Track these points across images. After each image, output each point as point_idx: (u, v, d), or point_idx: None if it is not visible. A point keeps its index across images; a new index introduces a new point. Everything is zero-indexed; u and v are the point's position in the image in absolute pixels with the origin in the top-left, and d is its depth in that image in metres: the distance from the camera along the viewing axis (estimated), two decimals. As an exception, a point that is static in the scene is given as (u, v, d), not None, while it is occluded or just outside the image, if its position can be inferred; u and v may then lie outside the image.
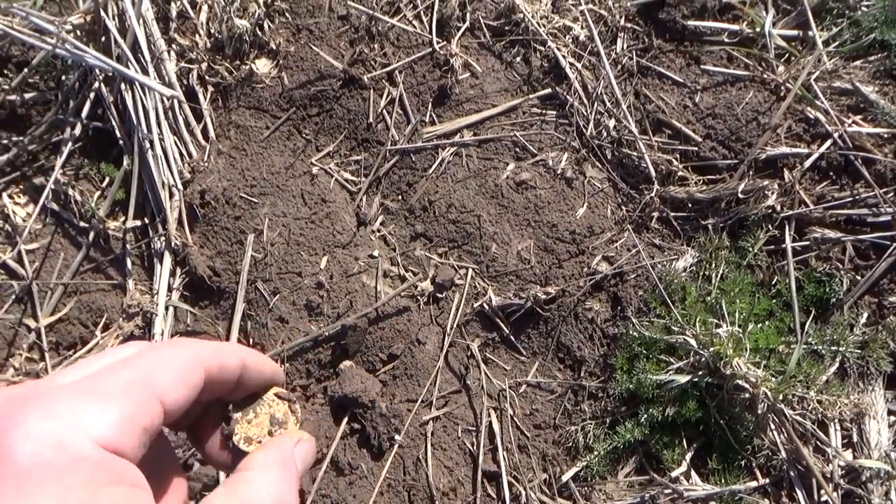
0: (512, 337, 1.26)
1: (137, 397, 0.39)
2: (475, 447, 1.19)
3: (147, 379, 0.41)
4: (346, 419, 1.22)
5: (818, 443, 1.12)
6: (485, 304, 1.26)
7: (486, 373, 1.24)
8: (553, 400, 1.22)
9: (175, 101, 1.36)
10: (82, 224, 1.36)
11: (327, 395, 1.23)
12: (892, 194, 1.22)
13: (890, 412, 1.14)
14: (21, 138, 1.39)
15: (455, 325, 1.26)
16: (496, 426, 1.20)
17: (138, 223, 1.35)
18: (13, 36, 1.31)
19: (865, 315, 1.19)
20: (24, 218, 1.36)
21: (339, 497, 1.16)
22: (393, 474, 1.18)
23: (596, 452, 1.15)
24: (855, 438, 1.12)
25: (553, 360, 1.24)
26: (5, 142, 1.38)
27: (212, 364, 0.46)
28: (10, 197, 1.37)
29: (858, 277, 1.20)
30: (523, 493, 1.14)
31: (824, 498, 1.09)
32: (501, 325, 1.26)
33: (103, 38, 1.37)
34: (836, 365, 1.15)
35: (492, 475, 1.17)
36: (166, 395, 0.42)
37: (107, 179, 1.38)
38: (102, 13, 1.34)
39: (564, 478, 1.15)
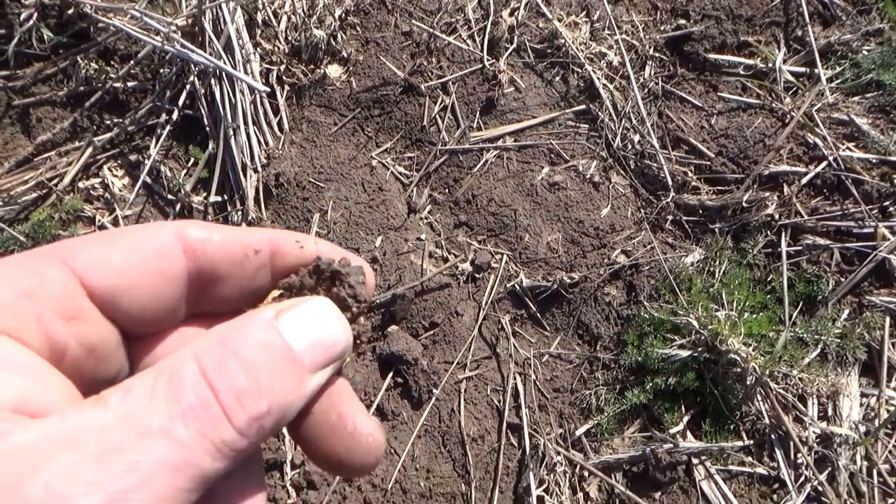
0: (538, 314, 1.62)
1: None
2: (501, 404, 1.55)
3: (54, 252, 0.37)
4: (391, 374, 1.58)
5: (797, 413, 1.46)
6: (516, 285, 1.63)
7: (514, 343, 1.60)
8: (571, 369, 1.58)
9: (257, 96, 1.76)
10: (170, 197, 1.76)
11: (376, 353, 1.59)
12: (876, 211, 1.59)
13: (862, 394, 1.49)
14: (121, 120, 1.80)
15: (489, 302, 1.63)
16: (520, 388, 1.56)
17: (219, 199, 1.74)
18: (127, 32, 1.74)
19: (847, 311, 1.54)
20: (121, 189, 1.76)
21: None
22: (430, 422, 1.54)
23: (606, 413, 1.50)
24: (830, 412, 1.47)
25: (573, 335, 1.60)
26: (108, 122, 1.79)
27: (201, 237, 0.41)
28: (110, 170, 1.78)
29: (843, 279, 1.56)
30: (541, 443, 1.49)
31: (800, 459, 1.43)
32: (529, 303, 1.63)
33: (200, 39, 1.79)
34: (818, 351, 1.50)
35: (515, 427, 1.53)
36: (87, 270, 0.37)
37: (192, 160, 1.78)
38: (202, 18, 1.76)
39: (577, 433, 1.50)
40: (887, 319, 1.52)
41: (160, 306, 0.41)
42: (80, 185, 1.75)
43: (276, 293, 0.44)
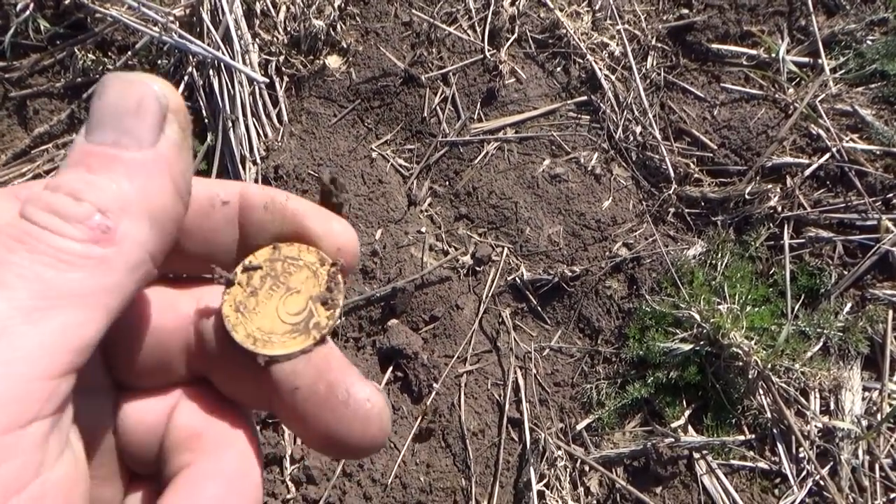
0: (539, 307, 1.61)
1: None
2: (502, 398, 1.54)
3: None
4: (391, 368, 1.57)
5: (799, 407, 1.45)
6: (517, 278, 1.61)
7: (514, 337, 1.59)
8: (572, 363, 1.56)
9: (256, 87, 1.74)
10: (168, 189, 1.74)
11: (375, 347, 1.58)
12: (879, 203, 1.57)
13: (865, 388, 1.47)
14: (119, 112, 1.78)
15: (490, 295, 1.61)
16: (521, 382, 1.54)
17: (218, 191, 1.73)
18: (124, 22, 1.71)
19: (849, 305, 1.53)
20: (119, 180, 1.75)
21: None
22: (430, 416, 1.53)
23: (607, 407, 1.49)
24: (832, 406, 1.46)
25: (574, 329, 1.59)
26: (105, 114, 1.77)
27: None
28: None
29: (845, 272, 1.54)
30: (542, 437, 1.48)
31: (802, 454, 1.42)
32: (530, 296, 1.61)
33: (198, 29, 1.76)
34: (820, 345, 1.49)
35: (515, 422, 1.52)
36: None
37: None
38: (200, 8, 1.74)
39: (578, 427, 1.49)
40: (890, 313, 1.51)
41: None
42: (78, 177, 1.73)
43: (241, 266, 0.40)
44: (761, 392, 1.46)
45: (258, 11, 1.82)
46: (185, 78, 1.76)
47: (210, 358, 0.39)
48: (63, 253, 0.30)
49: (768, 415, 1.45)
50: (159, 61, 1.80)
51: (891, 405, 1.46)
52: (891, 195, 1.58)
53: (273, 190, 0.40)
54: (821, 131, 1.64)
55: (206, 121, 1.76)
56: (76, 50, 1.77)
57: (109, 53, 1.81)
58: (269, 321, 0.39)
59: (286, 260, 0.40)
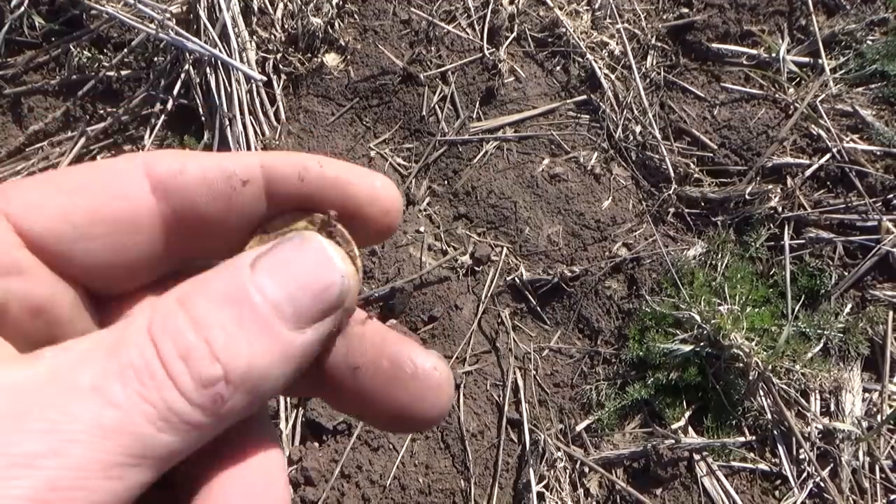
0: (538, 308, 1.59)
1: None
2: (501, 399, 1.52)
3: None
4: (389, 368, 1.55)
5: (800, 408, 1.44)
6: (516, 279, 1.60)
7: (513, 337, 1.57)
8: (571, 363, 1.55)
9: (253, 86, 1.72)
10: (165, 187, 1.72)
11: (374, 347, 1.57)
12: (879, 203, 1.56)
13: (865, 389, 1.47)
14: (115, 110, 1.76)
15: (489, 295, 1.60)
16: (520, 382, 1.53)
17: (215, 189, 1.71)
18: (120, 19, 1.69)
19: (850, 306, 1.52)
20: (115, 179, 1.72)
21: (380, 432, 1.49)
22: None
23: (607, 408, 1.48)
24: (832, 407, 1.45)
25: (573, 329, 1.58)
26: (101, 112, 1.75)
27: (173, 170, 0.33)
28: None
29: (846, 273, 1.53)
30: (541, 438, 1.46)
31: (802, 455, 1.41)
32: (530, 297, 1.60)
33: (195, 26, 1.74)
34: (821, 346, 1.48)
35: (514, 422, 1.50)
36: (23, 216, 0.31)
37: (188, 150, 1.74)
38: (197, 5, 1.71)
39: (578, 428, 1.48)
40: (890, 314, 1.50)
41: (125, 258, 0.34)
42: (74, 175, 1.71)
43: (256, 238, 0.36)
44: (762, 393, 1.45)
45: (255, 9, 1.80)
46: (182, 76, 1.74)
47: None
48: (172, 413, 0.28)
49: (769, 416, 1.44)
50: (155, 59, 1.78)
51: (891, 406, 1.46)
52: (891, 196, 1.57)
53: (299, 156, 0.36)
54: (821, 132, 1.63)
55: (203, 119, 1.74)
56: (71, 47, 1.75)
57: (105, 51, 1.78)
58: None
59: (294, 228, 0.36)
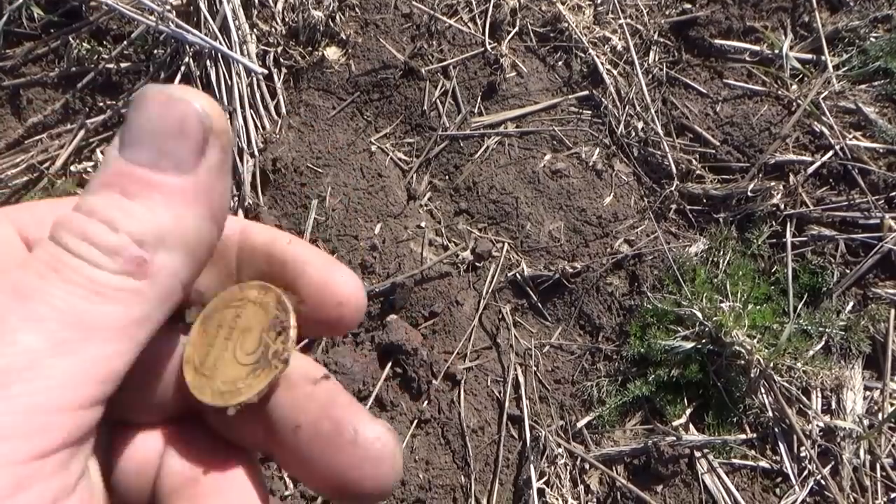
0: (539, 304, 1.59)
1: None
2: (502, 395, 1.52)
3: None
4: (390, 364, 1.55)
5: (801, 406, 1.44)
6: (517, 275, 1.59)
7: (514, 334, 1.57)
8: (572, 360, 1.55)
9: (253, 79, 1.71)
10: (164, 181, 1.71)
11: (374, 342, 1.56)
12: (882, 201, 1.56)
13: (866, 387, 1.46)
14: (114, 102, 1.74)
15: (490, 291, 1.59)
16: (521, 379, 1.53)
17: (215, 183, 1.70)
18: (120, 11, 1.68)
19: (851, 303, 1.51)
20: (114, 172, 1.71)
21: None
22: (429, 412, 1.51)
23: (608, 405, 1.47)
24: (833, 405, 1.44)
25: (575, 325, 1.57)
26: (101, 104, 1.74)
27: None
28: (103, 153, 1.72)
29: (847, 271, 1.53)
30: (542, 435, 1.46)
31: (804, 453, 1.40)
32: (531, 293, 1.59)
33: (195, 19, 1.73)
34: (822, 343, 1.48)
35: (515, 419, 1.50)
36: (32, 231, 0.35)
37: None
38: (198, -2, 1.70)
39: (579, 425, 1.48)
40: (892, 312, 1.50)
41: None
42: (73, 168, 1.70)
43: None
44: (763, 391, 1.44)
45: (256, 1, 1.79)
46: (182, 68, 1.73)
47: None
48: (98, 285, 0.30)
49: (770, 414, 1.43)
50: (155, 51, 1.76)
51: (892, 404, 1.45)
52: (894, 193, 1.56)
53: (275, 231, 0.39)
54: (824, 129, 1.62)
55: (203, 112, 1.72)
56: (70, 39, 1.73)
57: (104, 42, 1.77)
58: (232, 369, 0.36)
59: (231, 303, 0.38)
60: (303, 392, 0.36)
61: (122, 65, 1.76)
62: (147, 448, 0.36)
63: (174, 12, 1.70)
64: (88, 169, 1.69)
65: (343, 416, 0.34)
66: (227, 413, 0.35)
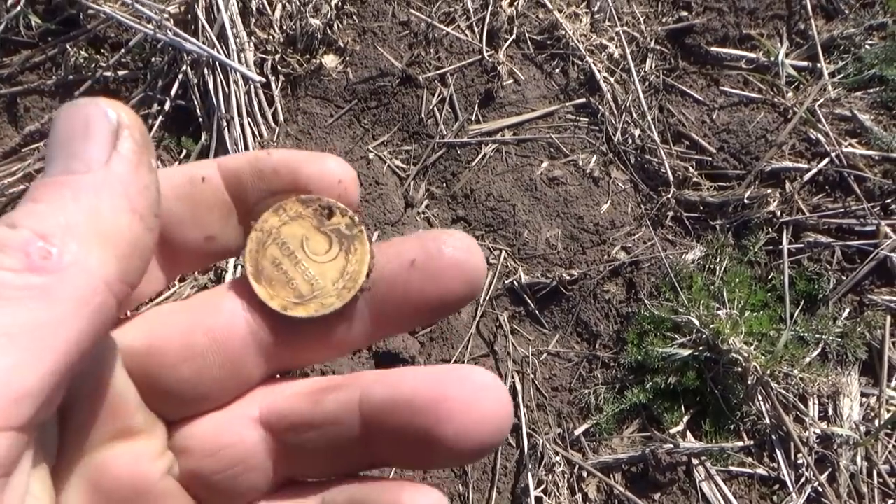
0: (537, 311, 1.59)
1: None
2: (500, 402, 1.52)
3: None
4: (387, 372, 1.55)
5: (798, 413, 1.44)
6: (514, 282, 1.60)
7: (512, 341, 1.57)
8: (570, 367, 1.55)
9: (251, 87, 1.71)
10: (162, 189, 1.71)
11: (372, 350, 1.56)
12: (878, 208, 1.56)
13: (863, 394, 1.47)
14: (112, 110, 1.74)
15: (487, 299, 1.59)
16: (518, 386, 1.53)
17: (212, 191, 1.70)
18: (118, 19, 1.68)
19: (847, 310, 1.52)
20: (112, 180, 1.71)
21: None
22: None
23: (605, 413, 1.47)
24: (830, 412, 1.45)
25: (572, 333, 1.57)
26: (98, 112, 1.74)
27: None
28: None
29: (844, 278, 1.53)
30: (540, 443, 1.46)
31: (801, 460, 1.41)
32: (528, 300, 1.59)
33: (193, 27, 1.73)
34: (819, 350, 1.48)
35: (513, 427, 1.50)
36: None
37: (185, 152, 1.73)
38: (195, 5, 1.70)
39: (576, 433, 1.48)
40: (888, 318, 1.50)
41: None
42: (70, 176, 1.70)
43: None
44: (760, 398, 1.45)
45: (254, 9, 1.79)
46: (180, 76, 1.73)
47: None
48: (4, 286, 0.27)
49: (767, 421, 1.44)
50: (153, 59, 1.76)
51: (889, 411, 1.46)
52: (889, 201, 1.57)
53: (251, 152, 0.40)
54: (820, 136, 1.63)
55: (201, 120, 1.73)
56: (68, 47, 1.74)
57: (102, 51, 1.77)
58: (318, 270, 0.39)
59: (267, 237, 0.39)
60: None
61: (120, 73, 1.76)
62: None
63: (172, 20, 1.70)
64: (86, 177, 1.69)
65: (429, 240, 0.40)
66: (359, 298, 0.39)
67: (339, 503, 0.37)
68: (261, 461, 0.38)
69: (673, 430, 1.44)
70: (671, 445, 1.42)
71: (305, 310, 0.38)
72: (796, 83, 1.71)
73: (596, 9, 1.81)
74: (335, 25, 1.77)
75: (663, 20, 1.80)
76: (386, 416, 0.36)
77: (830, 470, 1.41)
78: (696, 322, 1.45)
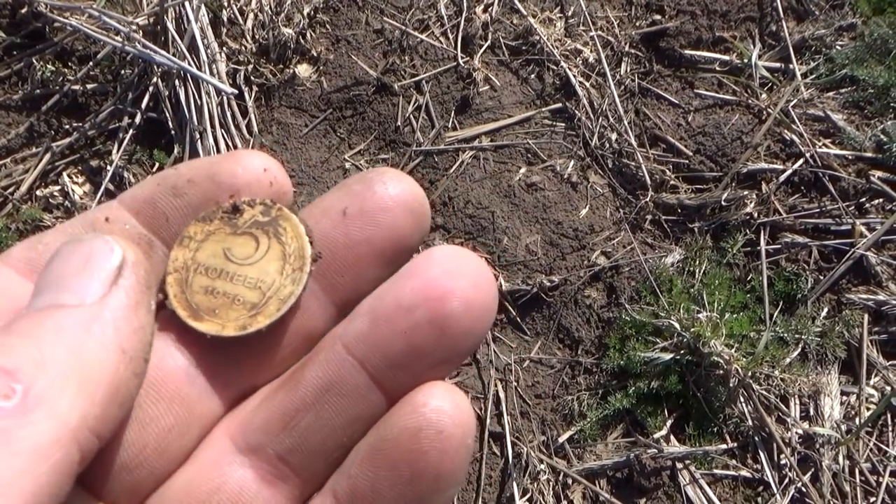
0: (518, 318, 1.59)
1: None
2: (483, 412, 1.51)
3: None
4: (369, 383, 1.54)
5: (780, 414, 1.45)
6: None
7: (494, 349, 1.56)
8: (552, 374, 1.55)
9: (224, 98, 1.69)
10: (135, 203, 1.68)
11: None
12: (853, 207, 1.58)
13: (843, 392, 1.48)
14: (81, 124, 1.72)
15: (468, 307, 1.59)
16: (502, 394, 1.52)
17: (186, 204, 1.68)
18: (85, 32, 1.65)
19: (826, 309, 1.53)
20: (83, 196, 1.68)
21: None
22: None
23: (589, 419, 1.47)
24: (811, 412, 1.46)
25: (554, 339, 1.57)
26: (67, 127, 1.71)
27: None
28: (70, 177, 1.69)
29: (821, 277, 1.55)
30: (524, 451, 1.45)
31: (784, 461, 1.42)
32: (509, 307, 1.59)
33: (163, 38, 1.71)
34: (799, 350, 1.49)
35: (497, 436, 1.49)
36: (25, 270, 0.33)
37: (157, 165, 1.71)
38: (164, 16, 1.68)
39: (560, 440, 1.47)
40: (865, 317, 1.52)
41: None
42: (39, 193, 1.67)
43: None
44: (742, 400, 1.45)
45: (225, 19, 1.77)
46: (150, 88, 1.71)
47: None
48: None
49: (749, 422, 1.45)
50: (122, 71, 1.74)
51: (869, 409, 1.47)
52: (863, 200, 1.59)
53: (156, 174, 0.38)
54: (794, 137, 1.65)
55: (173, 133, 1.70)
56: (34, 60, 1.71)
57: (70, 64, 1.74)
58: (257, 271, 0.37)
59: (191, 251, 0.37)
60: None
61: (89, 86, 1.73)
62: None
63: (141, 32, 1.68)
64: (55, 193, 1.67)
65: (353, 183, 0.37)
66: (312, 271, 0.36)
67: (363, 450, 0.34)
68: (256, 491, 0.34)
69: (657, 435, 1.44)
70: (655, 450, 1.42)
71: (266, 315, 0.35)
72: (770, 84, 1.72)
73: (570, 14, 1.82)
74: (308, 34, 1.76)
75: (637, 24, 1.81)
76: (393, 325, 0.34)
77: (813, 470, 1.42)
78: (677, 325, 1.46)
